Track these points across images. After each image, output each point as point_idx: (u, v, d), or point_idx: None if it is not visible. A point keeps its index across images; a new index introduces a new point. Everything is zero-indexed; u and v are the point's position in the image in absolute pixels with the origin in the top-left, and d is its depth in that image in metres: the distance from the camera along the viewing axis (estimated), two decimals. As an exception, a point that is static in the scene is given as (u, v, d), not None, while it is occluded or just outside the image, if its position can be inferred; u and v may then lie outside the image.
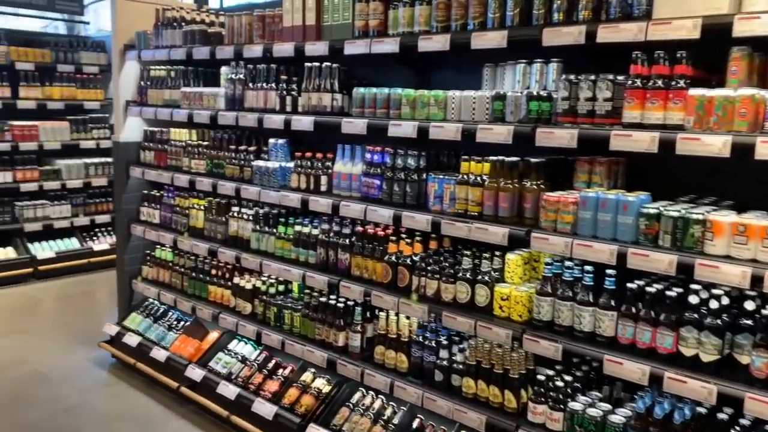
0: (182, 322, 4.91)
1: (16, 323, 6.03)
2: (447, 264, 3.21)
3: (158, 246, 5.06)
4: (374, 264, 3.52)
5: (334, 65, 3.64)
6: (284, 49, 3.80)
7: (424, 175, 3.33)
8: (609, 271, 2.68)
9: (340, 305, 3.70)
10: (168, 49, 4.63)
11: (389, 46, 3.30)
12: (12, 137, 7.33)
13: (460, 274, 3.14)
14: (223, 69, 4.37)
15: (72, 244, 7.77)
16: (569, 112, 2.75)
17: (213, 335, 4.70)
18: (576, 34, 2.65)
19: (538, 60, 3.00)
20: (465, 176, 3.10)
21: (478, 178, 3.06)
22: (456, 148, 3.36)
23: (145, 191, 5.14)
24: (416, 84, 3.54)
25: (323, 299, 3.81)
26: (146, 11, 4.96)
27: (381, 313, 3.54)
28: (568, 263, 2.81)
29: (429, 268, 3.25)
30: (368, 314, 3.68)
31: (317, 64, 3.67)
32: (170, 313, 5.04)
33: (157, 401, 4.50)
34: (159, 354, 4.64)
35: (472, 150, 3.16)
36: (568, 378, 2.87)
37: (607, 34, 2.57)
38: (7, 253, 7.30)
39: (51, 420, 4.24)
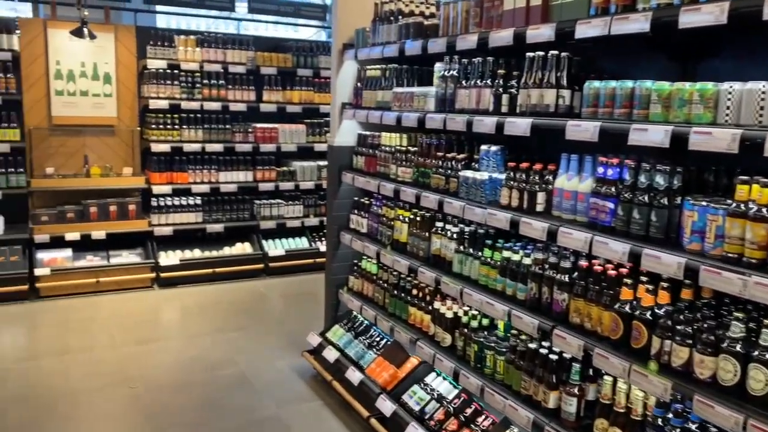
0: (384, 341, 4.53)
1: (240, 320, 6.24)
2: (706, 326, 2.27)
3: (364, 257, 4.75)
4: (600, 312, 2.69)
5: (563, 54, 2.88)
6: (501, 37, 3.13)
7: (678, 200, 2.43)
8: None
9: (554, 357, 2.93)
10: (381, 47, 4.25)
11: (636, 24, 2.45)
12: (254, 139, 7.73)
13: (726, 344, 2.18)
14: (437, 65, 3.85)
15: (302, 243, 7.99)
16: None
17: (412, 362, 4.22)
18: None
19: None
20: (742, 205, 2.15)
21: (764, 210, 2.08)
22: (729, 163, 2.39)
23: (356, 198, 4.87)
24: (674, 77, 2.61)
25: (533, 346, 3.08)
26: (369, 7, 4.65)
27: (606, 376, 2.70)
28: None
29: (678, 328, 2.34)
30: (590, 372, 2.86)
31: (541, 53, 2.94)
32: (372, 330, 4.69)
33: (348, 428, 4.15)
34: (353, 376, 4.29)
35: (756, 168, 2.19)
36: None
37: None
38: (244, 248, 7.73)
39: (242, 429, 4.13)
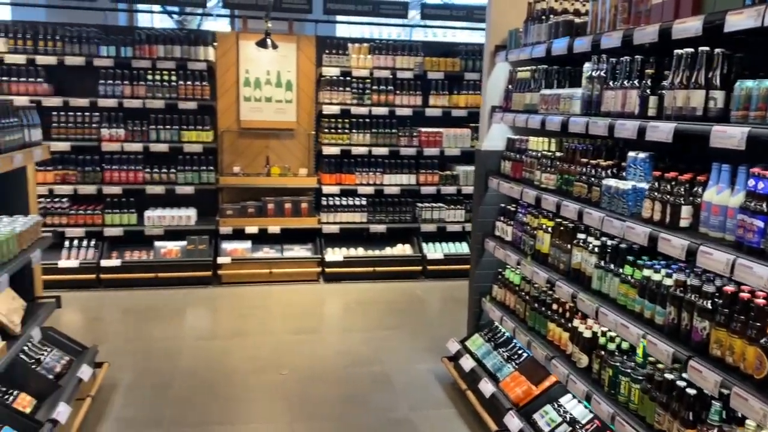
0: (524, 355, 4.35)
1: (392, 319, 6.38)
2: None
3: (508, 266, 4.59)
4: (743, 345, 2.33)
5: (717, 50, 2.53)
6: (645, 33, 2.84)
7: None
8: None
9: (692, 392, 2.60)
10: (530, 47, 4.08)
11: (800, 12, 2.08)
12: (418, 142, 7.86)
13: None
14: (585, 65, 3.60)
15: (461, 248, 7.94)
16: None
17: (550, 380, 4.00)
18: None
19: None
20: None
21: None
22: None
23: (502, 204, 4.73)
24: None
25: (670, 377, 2.76)
26: (523, 7, 4.49)
27: (749, 421, 2.33)
28: None
29: (836, 375, 1.95)
30: (735, 413, 2.49)
31: (689, 50, 2.62)
32: (513, 342, 4.52)
33: (477, 440, 4.06)
34: (486, 387, 4.17)
35: None
36: None
37: None
38: (404, 249, 7.89)
39: (375, 429, 4.22)
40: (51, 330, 4.49)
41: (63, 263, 6.96)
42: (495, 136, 4.75)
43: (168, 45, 7.27)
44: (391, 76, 7.77)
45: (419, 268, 7.75)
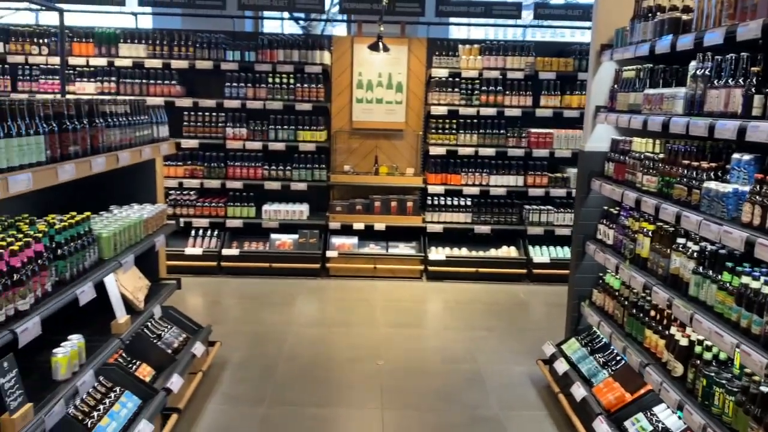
0: (621, 362, 4.23)
1: (491, 320, 6.38)
2: None
3: (609, 270, 4.48)
4: (842, 360, 2.18)
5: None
6: (749, 29, 2.71)
7: None
8: None
9: (787, 406, 2.46)
10: (634, 46, 3.97)
11: None
12: (527, 143, 7.78)
13: None
14: (691, 64, 3.46)
15: (568, 252, 7.76)
16: None
17: (646, 388, 3.87)
18: None
19: None
20: None
21: None
22: None
23: (605, 207, 4.62)
24: None
25: (766, 389, 2.62)
26: (630, 5, 4.37)
27: None
28: None
29: None
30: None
31: (795, 45, 2.48)
32: (611, 348, 4.41)
33: (566, 444, 4.02)
34: (577, 391, 4.11)
35: None
36: None
37: None
38: (509, 251, 7.84)
39: (461, 425, 4.28)
40: (171, 309, 4.95)
41: (189, 250, 7.59)
42: (599, 137, 4.65)
43: (287, 49, 7.72)
44: (500, 77, 7.75)
45: (524, 271, 7.67)
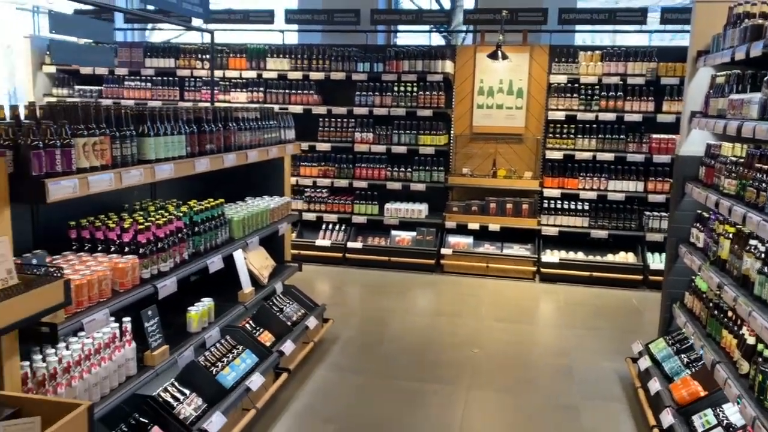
0: (702, 363, 4.29)
1: (595, 321, 6.51)
2: None
3: (699, 272, 4.54)
4: None
5: None
6: (798, 36, 2.82)
7: None
8: None
9: (819, 398, 2.58)
10: (720, 52, 4.06)
11: None
12: (648, 149, 7.72)
13: None
14: (771, 69, 3.54)
15: (690, 260, 7.59)
16: None
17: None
18: None
19: None
20: None
21: None
22: None
23: (698, 211, 4.67)
24: None
25: (806, 383, 2.73)
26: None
27: None
28: None
29: None
30: None
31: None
32: (697, 349, 4.47)
33: (639, 434, 4.17)
34: (653, 385, 4.25)
35: None
36: None
37: None
38: (627, 257, 7.81)
39: (538, 408, 4.57)
40: (293, 288, 5.70)
41: (319, 242, 8.43)
42: (694, 142, 4.72)
43: (412, 60, 8.31)
44: (621, 82, 7.77)
45: (640, 277, 7.62)
